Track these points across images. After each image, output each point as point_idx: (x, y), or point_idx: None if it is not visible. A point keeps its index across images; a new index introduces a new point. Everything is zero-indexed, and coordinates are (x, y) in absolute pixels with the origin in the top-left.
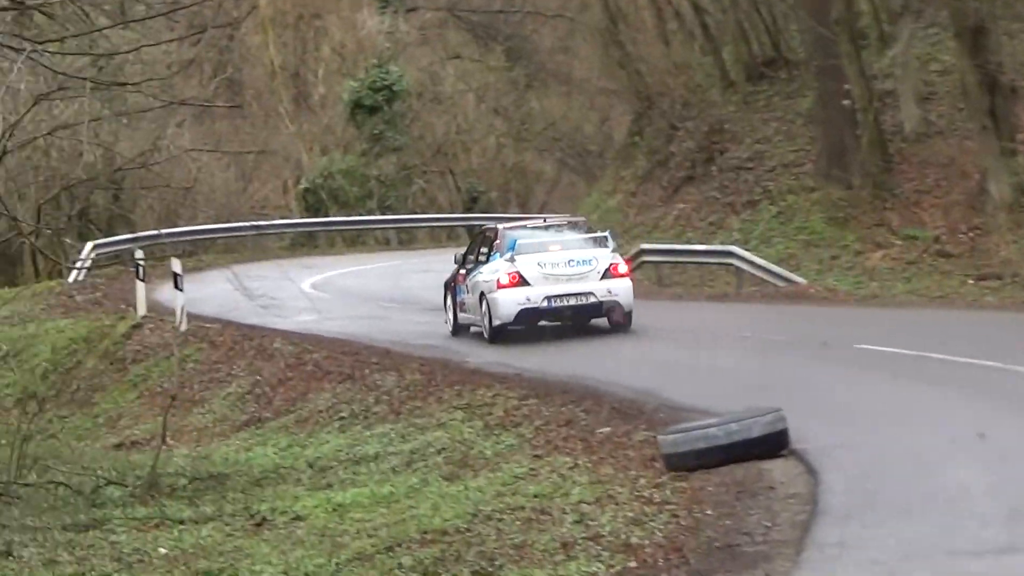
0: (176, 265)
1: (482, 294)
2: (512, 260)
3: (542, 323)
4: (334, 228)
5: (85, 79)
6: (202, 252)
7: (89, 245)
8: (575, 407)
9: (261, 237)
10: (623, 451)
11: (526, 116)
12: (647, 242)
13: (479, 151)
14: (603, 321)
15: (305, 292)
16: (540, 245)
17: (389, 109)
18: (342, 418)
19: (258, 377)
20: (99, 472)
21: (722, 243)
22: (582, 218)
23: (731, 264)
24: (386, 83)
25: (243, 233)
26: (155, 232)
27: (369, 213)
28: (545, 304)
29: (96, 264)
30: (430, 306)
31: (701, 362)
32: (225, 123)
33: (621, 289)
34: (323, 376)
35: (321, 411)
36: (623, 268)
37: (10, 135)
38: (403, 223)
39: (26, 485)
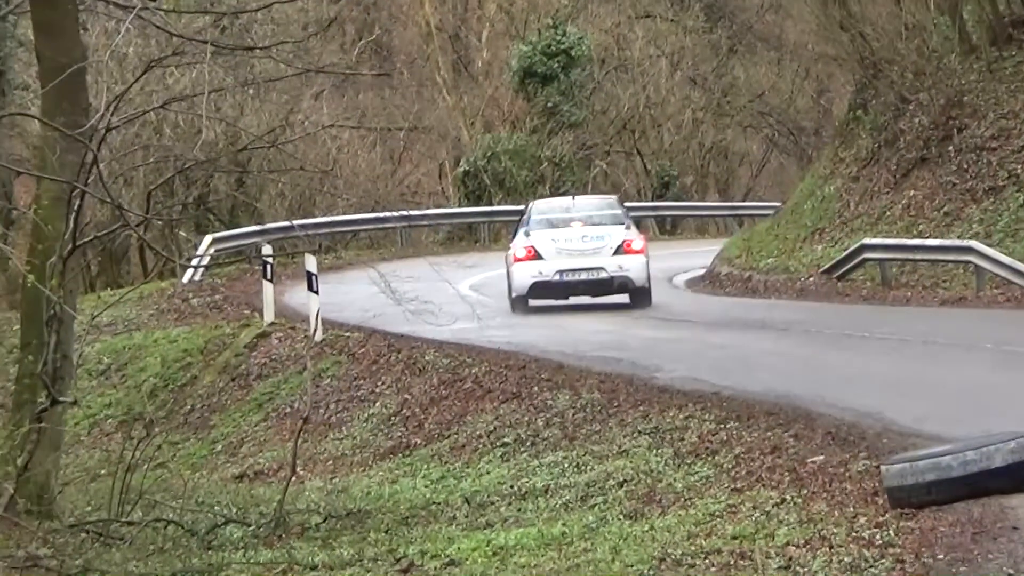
0: (311, 263)
1: (506, 267)
2: (527, 235)
3: (571, 299)
4: (499, 219)
5: (205, 42)
6: (342, 247)
7: (208, 239)
8: (782, 432)
9: (412, 230)
10: (839, 484)
11: (728, 87)
12: (870, 236)
13: (672, 128)
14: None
15: (463, 295)
16: (557, 221)
17: (566, 78)
18: (505, 444)
19: (407, 396)
20: (216, 508)
21: (959, 237)
22: (613, 197)
23: (970, 262)
24: (563, 47)
25: (391, 225)
26: (286, 224)
27: None
28: (557, 278)
29: (216, 261)
30: (613, 312)
31: (932, 378)
32: (371, 95)
33: (633, 265)
34: (483, 395)
35: (481, 436)
36: (637, 245)
37: (115, 107)
38: None
39: (130, 524)
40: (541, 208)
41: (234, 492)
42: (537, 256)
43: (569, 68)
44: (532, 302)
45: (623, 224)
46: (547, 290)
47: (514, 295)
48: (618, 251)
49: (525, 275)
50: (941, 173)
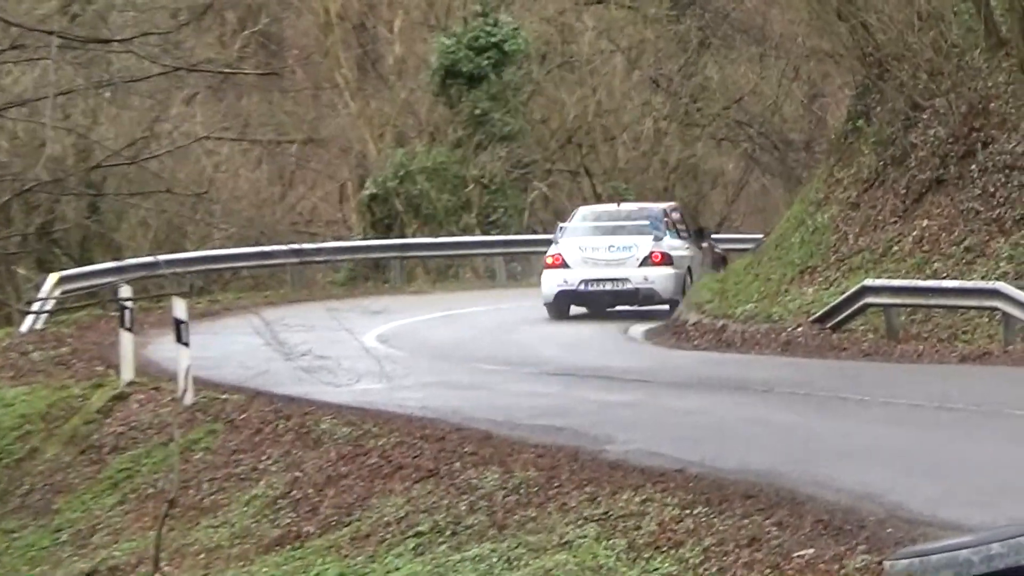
0: (180, 308)
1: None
2: (557, 241)
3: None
4: (413, 254)
5: (51, 32)
6: (218, 289)
7: (53, 278)
8: (763, 519)
9: (305, 267)
10: None
11: (699, 90)
12: (873, 276)
13: (629, 141)
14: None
15: (369, 348)
16: (588, 229)
17: (497, 79)
18: (420, 534)
19: (298, 473)
20: None
21: (984, 278)
22: (669, 204)
23: (996, 309)
24: (493, 40)
25: (279, 261)
26: (150, 259)
27: (466, 232)
28: (581, 287)
29: (62, 306)
30: (554, 368)
31: (948, 452)
32: (256, 99)
33: (659, 277)
34: (393, 472)
35: (389, 524)
36: (668, 255)
37: None
38: (516, 247)
39: None
40: (582, 214)
41: None
42: (564, 264)
43: (501, 66)
44: (573, 309)
45: (654, 235)
46: (575, 299)
47: (543, 302)
48: (645, 262)
49: (551, 283)
50: (962, 198)
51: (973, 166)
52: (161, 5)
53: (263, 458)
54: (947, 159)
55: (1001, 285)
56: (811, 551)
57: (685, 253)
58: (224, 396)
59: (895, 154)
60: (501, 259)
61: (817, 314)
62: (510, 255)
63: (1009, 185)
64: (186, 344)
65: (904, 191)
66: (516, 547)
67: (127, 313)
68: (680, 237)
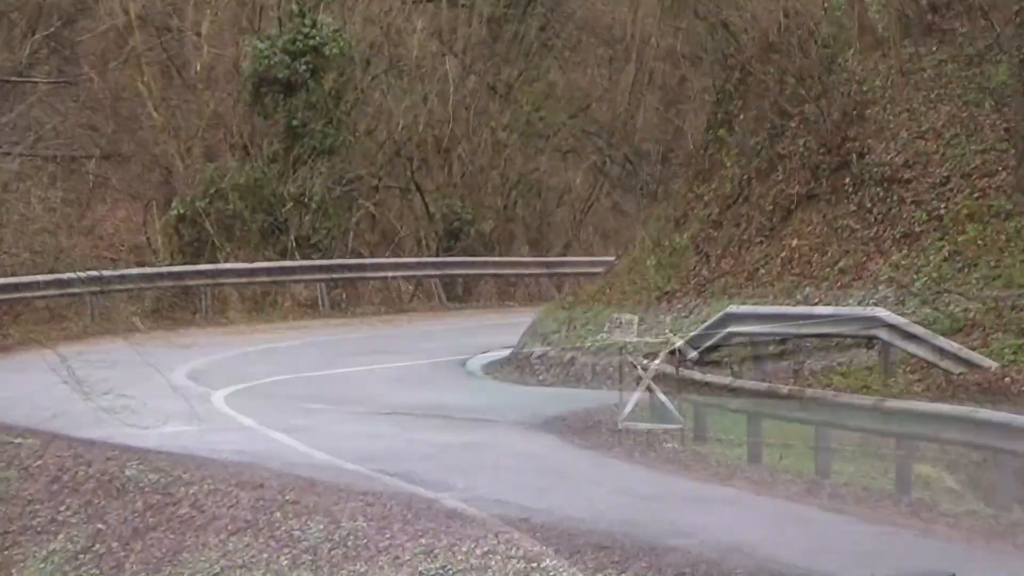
0: None
1: None
2: None
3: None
4: (226, 281)
5: None
6: (10, 321)
7: None
8: (616, 572)
9: (106, 296)
10: None
11: (542, 97)
12: (738, 302)
13: (464, 154)
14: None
15: (178, 386)
16: None
17: (317, 86)
18: None
19: (100, 526)
20: None
21: (861, 303)
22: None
23: (875, 338)
24: (312, 43)
25: (77, 290)
26: None
27: (284, 256)
28: None
29: None
30: (385, 407)
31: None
32: (46, 108)
33: None
34: (206, 523)
35: None
36: None
37: None
38: (339, 271)
39: None
40: None
41: None
42: None
43: (321, 72)
44: None
45: None
46: None
47: None
48: None
49: None
50: (835, 215)
51: (847, 179)
52: None
53: (62, 508)
54: (818, 171)
55: (880, 311)
56: None
57: None
58: (17, 440)
59: (760, 166)
60: (323, 285)
61: (676, 345)
62: (333, 281)
63: (888, 200)
64: None
65: (771, 207)
66: None
67: None
68: None
